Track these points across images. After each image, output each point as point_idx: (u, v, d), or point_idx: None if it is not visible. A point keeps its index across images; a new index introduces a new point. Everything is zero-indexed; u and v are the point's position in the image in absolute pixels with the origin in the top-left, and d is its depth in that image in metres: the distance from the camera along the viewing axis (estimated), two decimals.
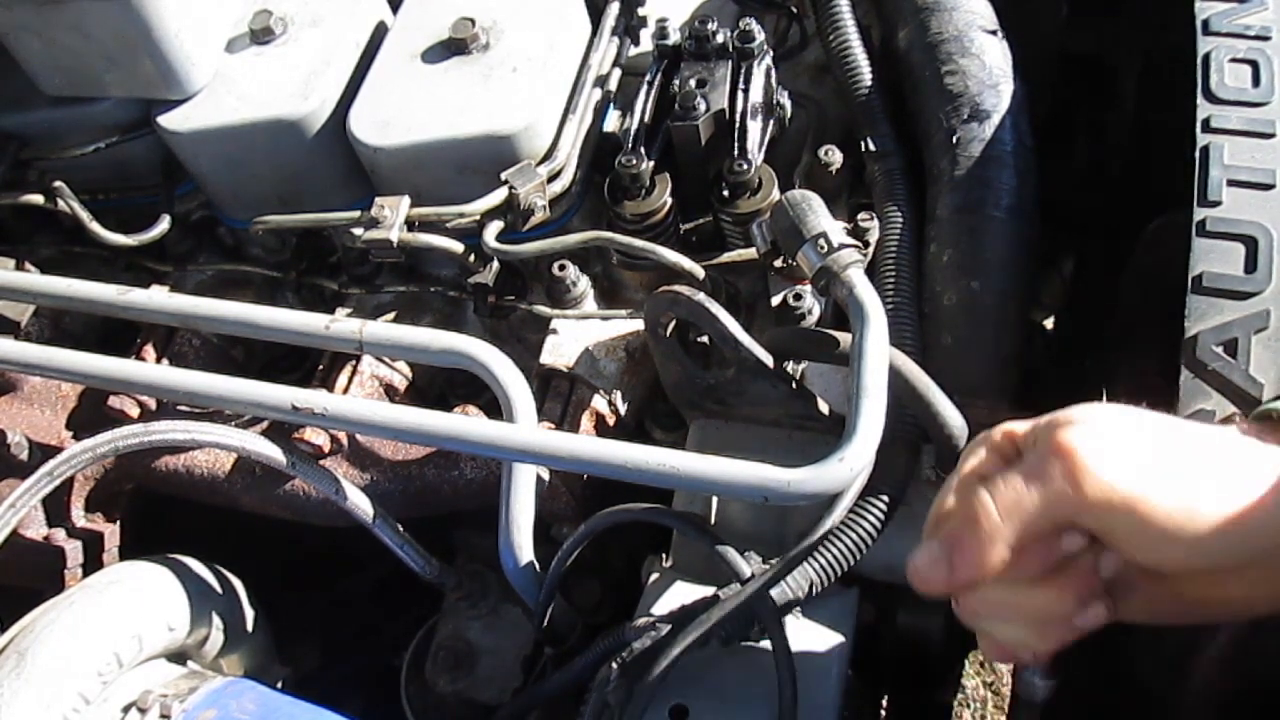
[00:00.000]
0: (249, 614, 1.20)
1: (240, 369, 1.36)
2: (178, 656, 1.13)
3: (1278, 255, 0.90)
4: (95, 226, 1.31)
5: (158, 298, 1.17)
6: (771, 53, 1.24)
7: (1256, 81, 1.00)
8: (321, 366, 1.27)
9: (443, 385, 1.34)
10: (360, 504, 1.11)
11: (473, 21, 1.23)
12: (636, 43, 1.36)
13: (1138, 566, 0.65)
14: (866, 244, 1.14)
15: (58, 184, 1.31)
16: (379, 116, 1.21)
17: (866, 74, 1.23)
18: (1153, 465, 0.62)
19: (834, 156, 1.21)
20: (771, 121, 1.23)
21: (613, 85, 1.29)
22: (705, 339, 1.06)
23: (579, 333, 1.20)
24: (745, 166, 1.13)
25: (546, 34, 1.25)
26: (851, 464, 0.86)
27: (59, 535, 1.23)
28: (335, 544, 1.31)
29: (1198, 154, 0.96)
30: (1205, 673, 0.83)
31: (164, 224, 1.33)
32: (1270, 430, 0.67)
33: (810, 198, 0.99)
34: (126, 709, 0.99)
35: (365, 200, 1.20)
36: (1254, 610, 0.66)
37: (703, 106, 1.16)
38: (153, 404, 1.28)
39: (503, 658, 1.18)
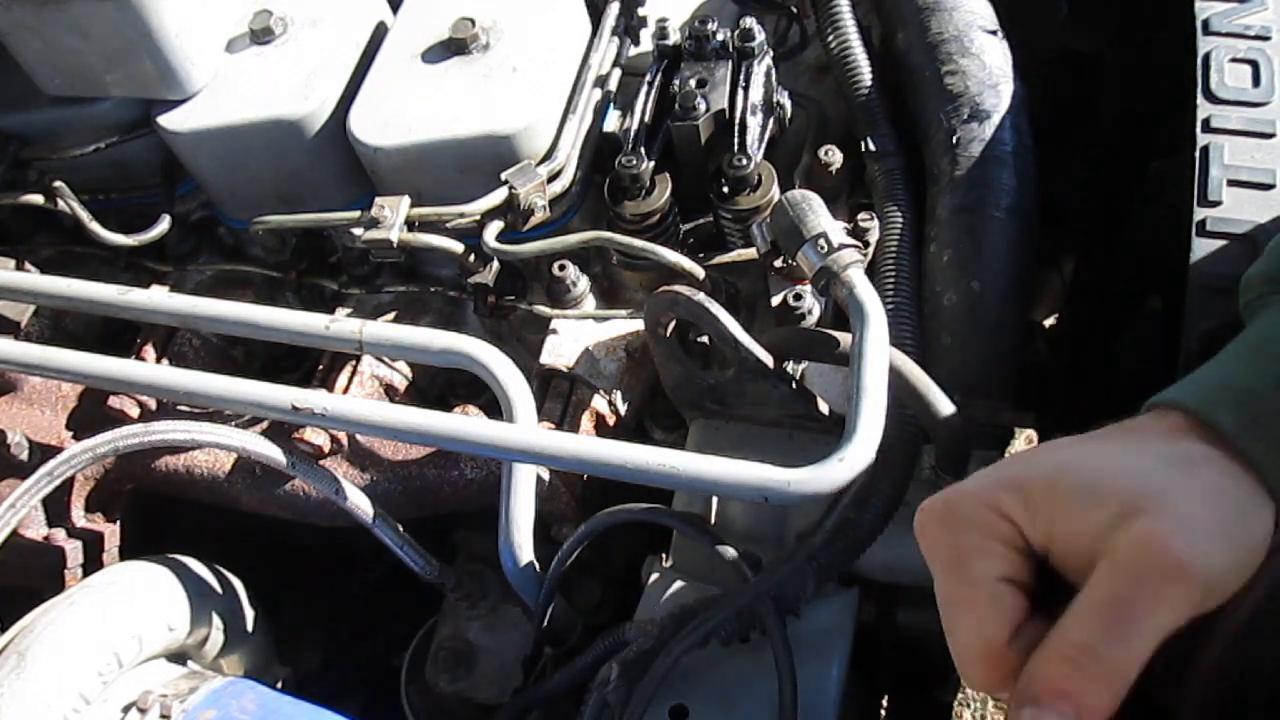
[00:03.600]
0: (249, 614, 1.20)
1: (240, 369, 1.36)
2: (178, 656, 1.13)
3: None
4: (95, 226, 1.31)
5: (158, 298, 1.17)
6: (771, 53, 1.24)
7: (1256, 81, 1.00)
8: (321, 366, 1.28)
9: (443, 385, 1.34)
10: (360, 504, 1.11)
11: (473, 21, 1.23)
12: (636, 43, 1.36)
13: None
14: (866, 244, 1.14)
15: (58, 184, 1.31)
16: (379, 116, 1.21)
17: (866, 74, 1.23)
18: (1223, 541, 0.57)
19: (834, 156, 1.21)
20: (771, 120, 1.23)
21: (613, 85, 1.29)
22: (705, 339, 1.06)
23: (579, 333, 1.20)
24: (745, 161, 1.13)
25: (546, 34, 1.25)
26: (851, 464, 0.86)
27: (59, 535, 1.23)
28: (335, 544, 1.31)
29: (1198, 154, 0.96)
30: (1203, 680, 0.83)
31: (164, 224, 1.33)
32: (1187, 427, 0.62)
33: (810, 198, 0.99)
34: (126, 709, 0.99)
35: (365, 200, 1.20)
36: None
37: (703, 106, 1.16)
38: (153, 404, 1.28)
39: (503, 658, 1.18)
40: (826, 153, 1.21)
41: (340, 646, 1.51)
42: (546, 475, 1.13)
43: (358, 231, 1.18)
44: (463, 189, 1.19)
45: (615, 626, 0.99)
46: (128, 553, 1.28)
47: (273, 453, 1.10)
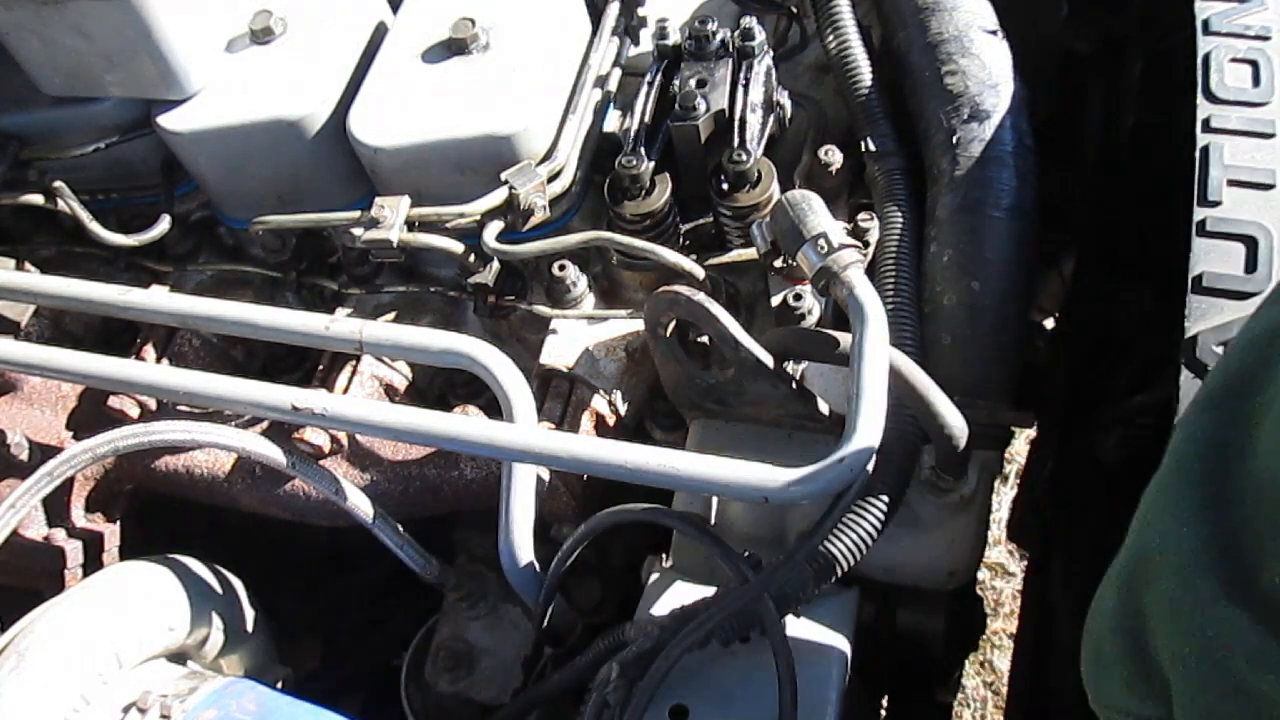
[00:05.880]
0: (249, 614, 1.20)
1: (240, 369, 1.36)
2: (178, 656, 1.13)
3: (1278, 255, 0.90)
4: (95, 226, 1.31)
5: (158, 298, 1.17)
6: (771, 53, 1.24)
7: (1256, 81, 1.00)
8: (321, 366, 1.27)
9: (443, 385, 1.34)
10: (360, 504, 1.11)
11: (473, 21, 1.23)
12: (636, 43, 1.36)
13: None
14: (866, 244, 1.14)
15: (58, 184, 1.31)
16: (379, 116, 1.21)
17: (866, 74, 1.23)
18: None
19: (834, 156, 1.21)
20: (771, 120, 1.23)
21: (613, 85, 1.29)
22: (705, 339, 1.06)
23: (579, 333, 1.20)
24: (744, 157, 1.13)
25: (546, 34, 1.25)
26: (851, 464, 0.86)
27: (59, 535, 1.23)
28: (335, 544, 1.31)
29: (1198, 154, 0.96)
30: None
31: (164, 224, 1.33)
32: None
33: (810, 198, 0.99)
34: (126, 709, 0.99)
35: (365, 200, 1.20)
36: None
37: (703, 106, 1.16)
38: (153, 404, 1.28)
39: (503, 658, 1.18)
40: (826, 153, 1.21)
41: (340, 646, 1.51)
42: (546, 475, 1.13)
43: (358, 231, 1.18)
44: (463, 189, 1.19)
45: (615, 626, 0.99)
46: (128, 553, 1.28)
47: (273, 453, 1.10)
